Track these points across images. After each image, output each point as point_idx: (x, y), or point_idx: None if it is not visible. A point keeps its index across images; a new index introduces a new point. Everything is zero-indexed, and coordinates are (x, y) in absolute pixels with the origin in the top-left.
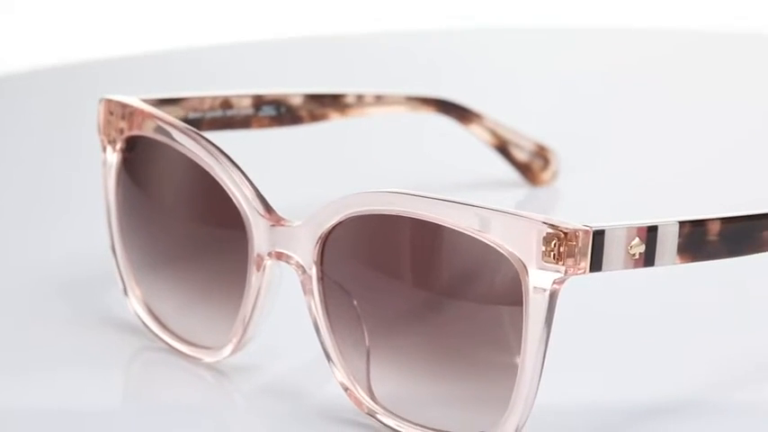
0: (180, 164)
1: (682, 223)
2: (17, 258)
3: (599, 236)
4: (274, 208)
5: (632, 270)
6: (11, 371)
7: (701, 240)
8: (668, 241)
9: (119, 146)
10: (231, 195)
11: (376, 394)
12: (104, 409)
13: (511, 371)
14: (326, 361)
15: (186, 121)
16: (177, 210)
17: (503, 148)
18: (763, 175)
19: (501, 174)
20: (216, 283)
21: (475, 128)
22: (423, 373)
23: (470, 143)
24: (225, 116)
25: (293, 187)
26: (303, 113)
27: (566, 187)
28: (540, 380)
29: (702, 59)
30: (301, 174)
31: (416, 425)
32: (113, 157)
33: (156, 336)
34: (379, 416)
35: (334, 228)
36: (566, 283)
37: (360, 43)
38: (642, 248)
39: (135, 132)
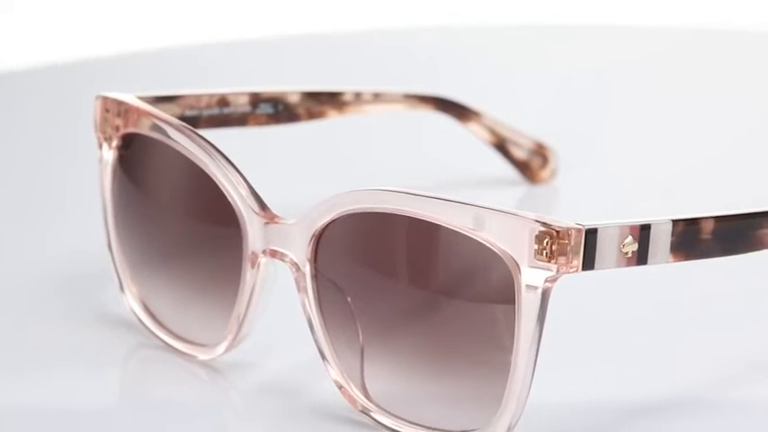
0: (175, 161)
1: (675, 222)
2: (13, 255)
3: (591, 234)
4: (271, 206)
5: (626, 269)
6: (7, 368)
7: (694, 239)
8: (661, 240)
9: (115, 143)
10: (226, 193)
11: (370, 392)
12: (100, 406)
13: (503, 369)
14: (320, 359)
15: (183, 118)
16: (173, 207)
17: (501, 146)
18: (761, 173)
19: (500, 172)
20: (211, 280)
21: (473, 126)
22: (416, 370)
23: (469, 141)
24: (222, 114)
25: (291, 185)
26: (300, 111)
27: (565, 185)
28: (532, 378)
29: (700, 57)
30: (299, 172)
31: (410, 422)
32: (109, 155)
33: (152, 333)
34: (372, 413)
35: (327, 225)
36: (558, 281)
37: (358, 41)
38: (635, 247)
39: (131, 130)
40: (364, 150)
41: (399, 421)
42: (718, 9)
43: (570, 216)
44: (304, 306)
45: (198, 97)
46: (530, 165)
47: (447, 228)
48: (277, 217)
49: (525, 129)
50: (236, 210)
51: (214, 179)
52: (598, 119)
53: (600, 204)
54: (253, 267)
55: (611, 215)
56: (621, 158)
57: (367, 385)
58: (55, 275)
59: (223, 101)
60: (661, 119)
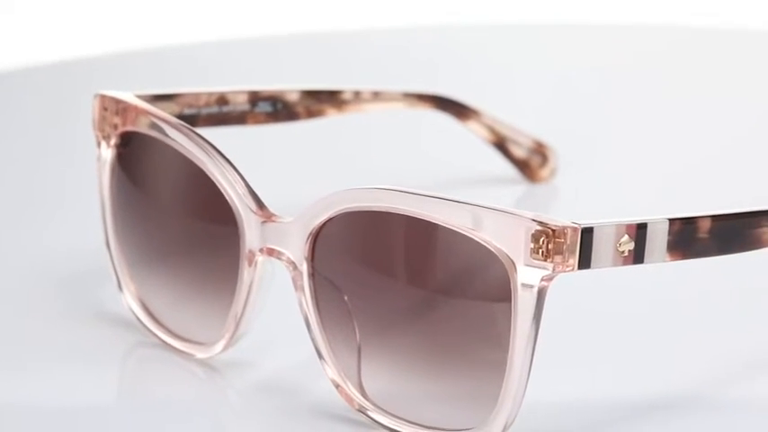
0: (173, 160)
1: (671, 220)
2: (12, 253)
3: (587, 233)
4: (270, 204)
5: (623, 267)
6: (5, 365)
7: (690, 238)
8: (658, 239)
9: (113, 141)
10: (223, 191)
11: (367, 391)
12: (98, 404)
13: (500, 368)
14: (317, 358)
15: (182, 117)
16: (170, 205)
17: (501, 145)
18: (760, 172)
19: (499, 170)
20: (209, 278)
21: (473, 124)
22: (413, 369)
23: (468, 140)
24: (220, 112)
25: (290, 184)
26: (300, 110)
27: (564, 184)
28: (528, 377)
29: (699, 56)
30: (298, 170)
31: (407, 421)
32: (108, 153)
33: (150, 331)
34: (369, 412)
35: (324, 224)
36: (554, 280)
37: (357, 40)
38: (631, 246)
39: (129, 128)
40: (363, 149)
41: (396, 420)
42: (717, 8)
43: (570, 215)
44: (301, 305)
45: (197, 96)
46: (529, 163)
47: (443, 226)
48: (274, 215)
49: (524, 127)
50: (234, 208)
51: (212, 178)
52: (598, 117)
53: (599, 203)
54: (250, 266)
55: (611, 214)
56: (621, 157)
57: (364, 384)
58: (53, 273)
59: (222, 99)
60: (660, 118)
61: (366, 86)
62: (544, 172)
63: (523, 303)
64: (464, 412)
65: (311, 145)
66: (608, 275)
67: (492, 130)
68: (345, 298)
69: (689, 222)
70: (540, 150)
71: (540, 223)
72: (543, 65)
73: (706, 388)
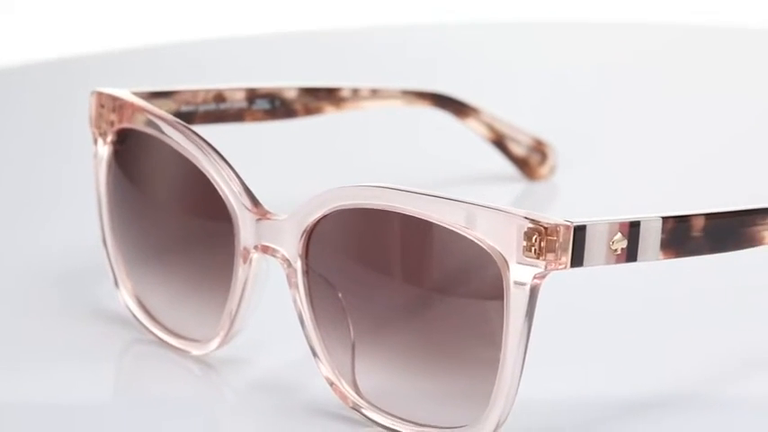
0: (169, 157)
1: (665, 219)
2: (8, 250)
3: (580, 231)
4: (267, 202)
5: (616, 266)
6: (1, 363)
7: (684, 236)
8: (651, 237)
9: (109, 138)
10: (218, 189)
11: (361, 389)
12: (94, 401)
13: (492, 366)
14: (312, 356)
15: (179, 114)
16: (167, 203)
17: (500, 143)
18: (760, 171)
19: (498, 168)
20: (204, 276)
21: (471, 122)
22: (407, 367)
23: (467, 137)
24: (218, 109)
25: (288, 181)
26: (298, 107)
27: (563, 182)
28: (521, 374)
29: (698, 54)
30: (296, 168)
31: (401, 419)
32: (104, 150)
33: (146, 328)
34: (363, 410)
35: (318, 221)
36: (547, 277)
37: (356, 38)
38: (624, 244)
39: (125, 125)
40: (362, 147)
41: (390, 418)
42: (716, 6)
43: (568, 213)
44: (295, 302)
45: (194, 93)
46: (528, 161)
47: (437, 224)
48: (269, 213)
49: (524, 125)
50: (229, 206)
51: (207, 175)
52: (597, 116)
53: (599, 201)
54: (245, 263)
55: (610, 212)
56: (620, 155)
57: (358, 382)
58: (50, 270)
59: (219, 96)
60: (659, 116)
61: (364, 84)
62: (543, 170)
63: (516, 301)
64: (457, 410)
65: (309, 142)
66: (601, 273)
67: (491, 127)
68: (339, 295)
69: (682, 221)
70: (540, 148)
71: (533, 221)
72: (542, 63)
73: (699, 386)
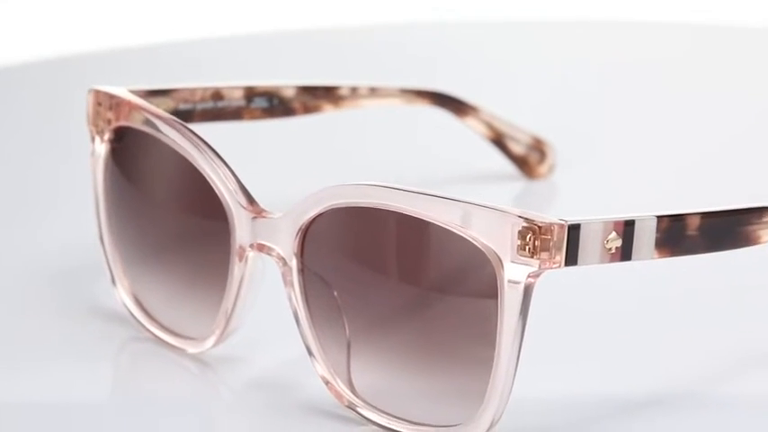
0: (166, 155)
1: (659, 218)
2: (6, 248)
3: (574, 230)
4: (265, 200)
5: (611, 265)
6: None
7: (679, 235)
8: (645, 236)
9: (107, 136)
10: (215, 187)
11: (356, 387)
12: (91, 399)
13: (487, 364)
14: (307, 354)
15: (177, 112)
16: (163, 201)
17: (499, 141)
18: (760, 170)
19: (497, 167)
20: (201, 274)
21: (471, 121)
22: (402, 365)
23: (466, 136)
24: (216, 107)
25: (286, 179)
26: (296, 105)
27: (562, 181)
28: (515, 373)
29: (697, 53)
30: (294, 166)
31: (396, 418)
32: (101, 148)
33: (143, 326)
34: (359, 409)
35: (314, 220)
36: (541, 276)
37: (355, 36)
38: (619, 243)
39: (122, 123)
40: (360, 145)
41: (385, 416)
42: (716, 5)
43: (567, 212)
44: (290, 300)
45: (192, 91)
46: (527, 160)
47: (432, 223)
48: (264, 211)
49: (523, 124)
50: (225, 204)
51: (203, 173)
52: (596, 114)
53: (598, 200)
54: (240, 261)
55: (609, 211)
56: (619, 154)
57: (353, 380)
58: (47, 268)
59: (217, 94)
60: (659, 115)
61: (363, 82)
62: (542, 168)
63: (510, 300)
64: (452, 408)
65: (307, 141)
66: (596, 273)
67: (490, 126)
68: (335, 294)
69: (677, 220)
70: (539, 147)
71: (527, 220)
72: (541, 61)
73: (693, 385)
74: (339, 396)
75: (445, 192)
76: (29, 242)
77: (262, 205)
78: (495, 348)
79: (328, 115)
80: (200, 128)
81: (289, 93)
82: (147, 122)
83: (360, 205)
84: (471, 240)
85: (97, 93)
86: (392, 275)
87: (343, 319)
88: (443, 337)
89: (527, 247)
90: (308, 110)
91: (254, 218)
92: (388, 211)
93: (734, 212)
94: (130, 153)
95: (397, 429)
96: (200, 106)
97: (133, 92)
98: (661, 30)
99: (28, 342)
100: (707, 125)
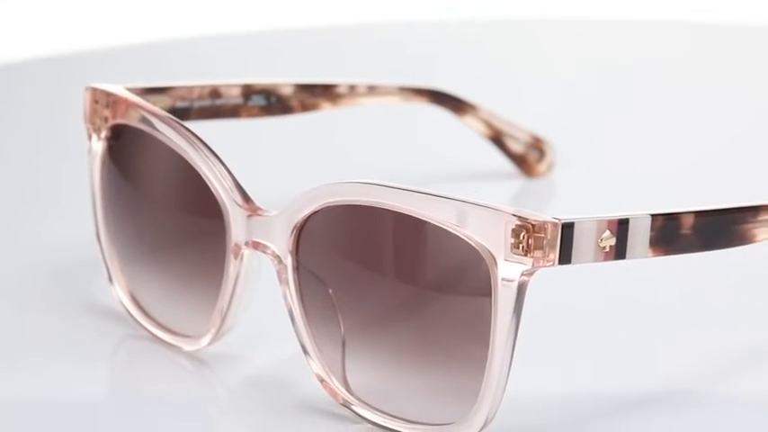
0: (161, 153)
1: (654, 216)
2: (4, 246)
3: (568, 228)
4: (263, 199)
5: (606, 264)
6: None
7: (673, 234)
8: (639, 234)
9: (103, 134)
10: (210, 185)
11: (351, 385)
12: (87, 397)
13: (481, 363)
14: (302, 353)
15: (174, 110)
16: (160, 199)
17: (498, 140)
18: (760, 169)
19: (496, 165)
20: (196, 272)
21: (469, 119)
22: (397, 364)
23: (465, 134)
24: (213, 105)
25: (283, 178)
26: (294, 103)
27: (562, 179)
28: (509, 371)
29: (697, 52)
30: (292, 164)
31: (390, 416)
32: (98, 146)
33: (140, 324)
34: (353, 407)
35: (308, 218)
36: (535, 275)
37: (354, 34)
38: (613, 241)
39: (119, 121)
40: (358, 143)
41: (380, 414)
42: (716, 4)
43: (566, 210)
44: (285, 298)
45: (189, 89)
46: (526, 158)
47: (426, 221)
48: (260, 209)
49: (522, 122)
50: (220, 202)
51: (199, 171)
52: (595, 113)
53: (596, 199)
54: (236, 259)
55: (608, 209)
56: (619, 153)
57: (348, 379)
58: (45, 266)
59: (215, 92)
60: (658, 114)
61: (361, 80)
62: (541, 167)
63: (503, 298)
64: (446, 406)
65: (305, 139)
66: (590, 271)
67: (489, 124)
68: (330, 291)
69: (671, 218)
70: (538, 145)
71: (520, 218)
72: (540, 60)
73: (688, 384)
74: (334, 394)
75: (442, 190)
76: (26, 240)
77: (257, 203)
78: (489, 347)
79: (326, 113)
80: (198, 126)
81: (287, 91)
82: (144, 120)
83: (354, 203)
84: (465, 239)
85: (94, 90)
86: (387, 274)
87: (338, 318)
88: (438, 335)
89: (521, 246)
90: (305, 108)
91: (250, 216)
92: (382, 209)
93: (728, 211)
94: (127, 151)
95: (392, 427)
96: (197, 104)
97: (130, 89)
98: (661, 28)
99: (24, 339)
100: (707, 124)
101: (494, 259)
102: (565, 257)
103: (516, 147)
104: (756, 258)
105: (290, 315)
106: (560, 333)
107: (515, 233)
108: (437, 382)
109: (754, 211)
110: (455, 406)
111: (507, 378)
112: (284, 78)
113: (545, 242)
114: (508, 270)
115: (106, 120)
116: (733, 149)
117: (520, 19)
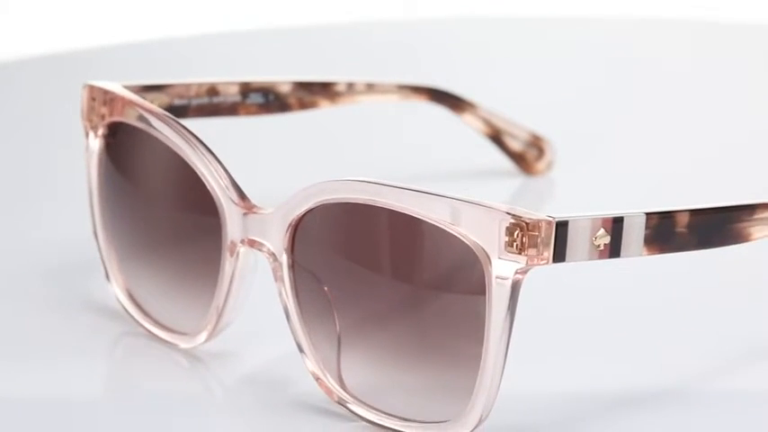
0: (158, 151)
1: (649, 214)
2: (0, 243)
3: (562, 227)
4: (260, 196)
5: (601, 262)
6: None
7: (668, 232)
8: (634, 232)
9: (101, 132)
10: (206, 183)
11: (346, 383)
12: (84, 394)
13: (475, 361)
14: (298, 350)
15: (172, 107)
16: (156, 196)
17: (497, 138)
18: (761, 169)
19: (495, 164)
20: (193, 269)
21: (468, 117)
22: (391, 362)
23: (464, 132)
24: (211, 103)
25: (281, 175)
26: (292, 101)
27: (560, 178)
28: (503, 370)
29: (700, 50)
30: (290, 162)
31: (385, 414)
32: (95, 143)
33: (137, 321)
34: (349, 405)
35: (304, 215)
36: (529, 273)
37: (352, 33)
38: (607, 239)
39: (116, 118)
40: (357, 141)
41: (375, 412)
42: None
43: (564, 208)
44: (281, 296)
45: (187, 86)
46: (525, 156)
47: (421, 219)
48: (255, 207)
49: (521, 121)
50: (216, 199)
51: (195, 169)
52: (595, 111)
53: (596, 197)
54: (232, 257)
55: (606, 208)
56: (618, 151)
57: (343, 376)
58: (43, 263)
59: (213, 90)
60: (659, 112)
61: (360, 78)
62: (540, 165)
63: (498, 296)
64: (441, 404)
65: (303, 137)
66: (585, 269)
67: (488, 122)
68: (325, 289)
69: (666, 216)
70: (537, 143)
71: (515, 216)
72: (539, 58)
73: (682, 382)
74: (329, 392)
75: (439, 188)
76: (23, 237)
77: (254, 201)
78: (483, 345)
79: (324, 111)
80: (195, 123)
81: (285, 88)
82: (141, 118)
83: (349, 201)
84: (459, 237)
85: (91, 88)
86: (382, 271)
87: (334, 315)
88: (433, 333)
89: (515, 244)
90: (304, 106)
91: (246, 213)
92: (377, 207)
93: (724, 209)
94: (124, 148)
95: (387, 425)
96: (195, 102)
97: (128, 87)
98: (661, 26)
99: (21, 336)
100: (708, 123)
101: (488, 257)
102: (559, 255)
103: (515, 145)
104: (751, 257)
105: (285, 313)
106: (555, 331)
107: (509, 231)
108: (432, 379)
109: (750, 209)
110: (450, 404)
111: (502, 376)
112: (282, 76)
113: (539, 240)
114: (502, 268)
115: (103, 117)
116: (732, 149)
117: (518, 17)
